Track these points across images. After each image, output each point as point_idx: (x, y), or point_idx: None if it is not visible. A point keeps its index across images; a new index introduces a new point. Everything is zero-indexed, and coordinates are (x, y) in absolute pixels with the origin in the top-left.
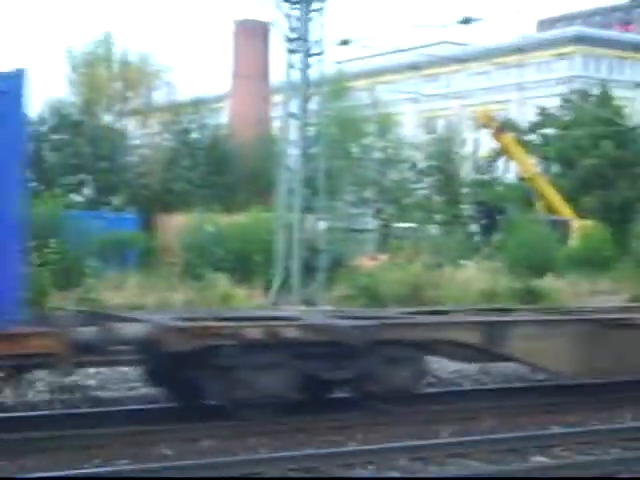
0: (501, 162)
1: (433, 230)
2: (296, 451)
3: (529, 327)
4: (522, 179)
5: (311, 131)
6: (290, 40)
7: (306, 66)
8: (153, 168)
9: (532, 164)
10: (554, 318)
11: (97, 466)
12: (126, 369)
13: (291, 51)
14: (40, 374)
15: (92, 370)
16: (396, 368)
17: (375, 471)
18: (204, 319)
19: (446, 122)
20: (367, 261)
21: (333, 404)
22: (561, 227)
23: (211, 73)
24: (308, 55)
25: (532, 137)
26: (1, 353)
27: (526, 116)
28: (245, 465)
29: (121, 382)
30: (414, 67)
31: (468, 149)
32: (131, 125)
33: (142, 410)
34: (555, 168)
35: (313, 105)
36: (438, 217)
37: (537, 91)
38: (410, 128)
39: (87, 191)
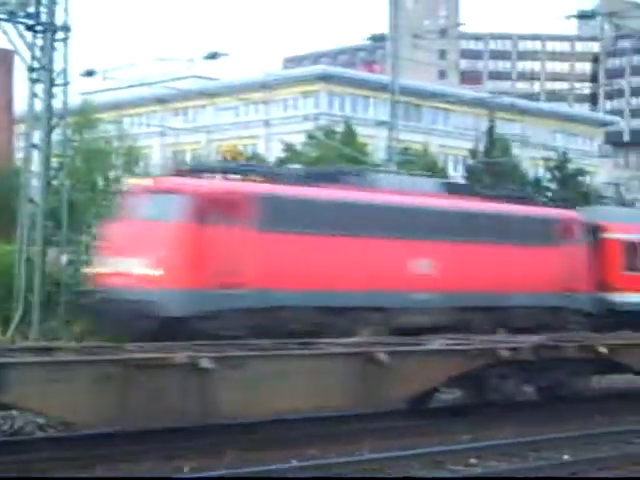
0: None
1: None
2: None
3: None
4: None
5: (55, 162)
6: (33, 69)
7: (50, 96)
8: None
9: None
10: (66, 359)
11: None
12: None
13: (34, 80)
14: None
15: None
16: None
17: None
18: None
19: (193, 156)
20: None
21: None
22: None
23: None
24: (52, 85)
25: None
26: None
27: (273, 151)
28: None
29: None
30: (161, 100)
31: None
32: None
33: None
34: None
35: (57, 136)
36: None
37: (283, 127)
38: (157, 161)
39: None
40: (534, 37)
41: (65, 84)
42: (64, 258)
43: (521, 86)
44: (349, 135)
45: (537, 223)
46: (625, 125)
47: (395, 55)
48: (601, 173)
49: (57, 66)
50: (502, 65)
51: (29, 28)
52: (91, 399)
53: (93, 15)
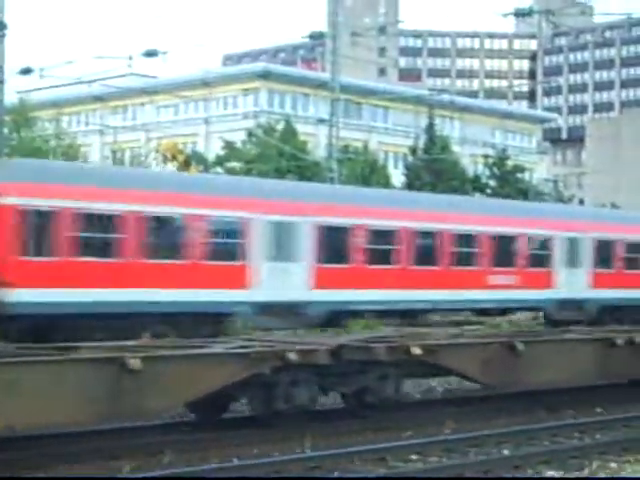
0: None
1: None
2: None
3: None
4: None
5: None
6: None
7: None
8: None
9: None
10: None
11: None
12: None
13: None
14: None
15: None
16: None
17: None
18: None
19: (132, 154)
20: None
21: None
22: None
23: None
24: None
25: (219, 170)
26: None
27: (213, 149)
28: None
29: None
30: (99, 98)
31: None
32: None
33: None
34: None
35: None
36: None
37: (223, 125)
38: (96, 159)
39: None
40: (473, 35)
41: (1, 82)
42: None
43: (460, 83)
44: (289, 133)
45: None
46: (563, 122)
47: (335, 53)
48: (539, 170)
49: None
50: (441, 63)
51: None
52: None
53: (30, 12)
